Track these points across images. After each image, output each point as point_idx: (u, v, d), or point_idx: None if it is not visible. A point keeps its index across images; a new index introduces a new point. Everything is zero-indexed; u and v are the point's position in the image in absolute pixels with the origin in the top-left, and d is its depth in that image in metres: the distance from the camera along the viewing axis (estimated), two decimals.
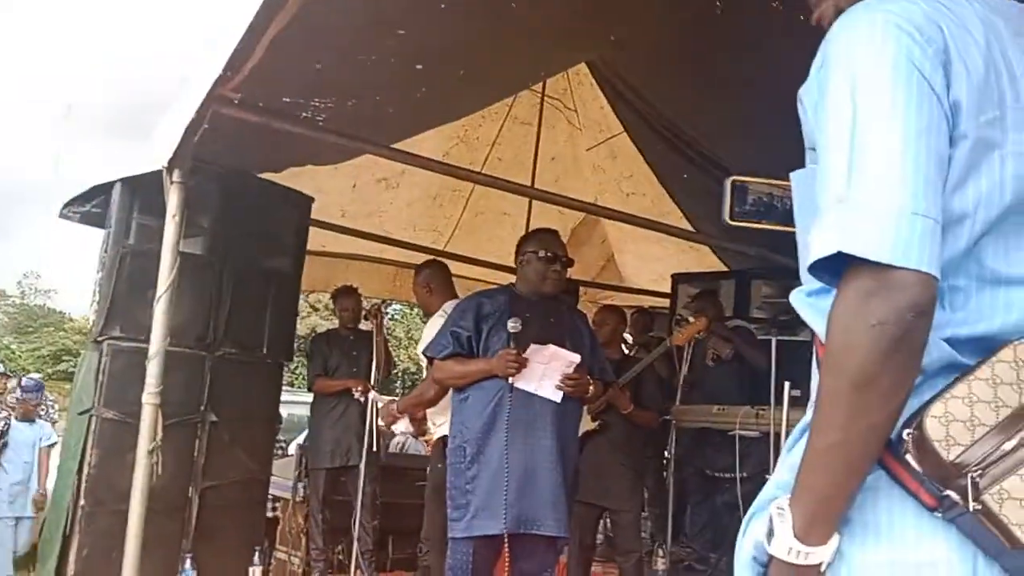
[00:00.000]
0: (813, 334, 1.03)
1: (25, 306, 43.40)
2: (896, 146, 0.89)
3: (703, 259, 6.26)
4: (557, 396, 3.13)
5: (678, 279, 6.27)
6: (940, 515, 0.90)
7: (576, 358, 3.17)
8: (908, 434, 0.92)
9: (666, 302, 6.51)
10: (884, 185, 0.88)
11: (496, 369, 3.08)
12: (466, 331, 3.19)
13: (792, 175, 1.14)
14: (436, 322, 3.77)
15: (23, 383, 10.14)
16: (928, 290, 0.87)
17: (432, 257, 5.51)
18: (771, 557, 0.96)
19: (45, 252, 54.28)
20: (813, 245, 0.92)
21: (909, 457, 0.92)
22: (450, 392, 3.37)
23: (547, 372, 3.12)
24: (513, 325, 3.06)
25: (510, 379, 3.06)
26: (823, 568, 0.93)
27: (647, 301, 7.12)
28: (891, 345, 0.86)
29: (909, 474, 0.92)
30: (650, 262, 6.81)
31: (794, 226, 1.27)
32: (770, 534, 0.95)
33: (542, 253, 3.26)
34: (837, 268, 0.91)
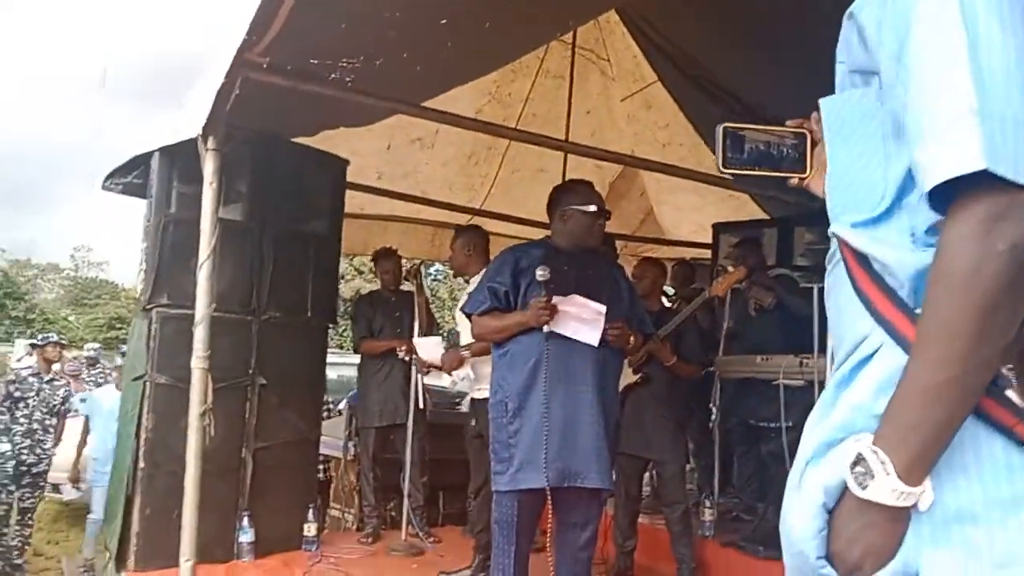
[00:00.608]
0: (852, 269, 1.01)
1: (79, 279, 44.59)
2: (1019, 56, 0.85)
3: (743, 208, 6.17)
4: (594, 340, 3.08)
5: (719, 229, 6.20)
6: None
7: (602, 309, 3.12)
8: (1009, 369, 0.89)
9: (708, 253, 6.45)
10: (1011, 98, 0.83)
11: (530, 320, 3.04)
12: (503, 286, 3.15)
13: (826, 101, 1.09)
14: None
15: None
16: None
17: (470, 222, 5.53)
18: (846, 503, 0.93)
19: (92, 223, 55.39)
20: (935, 162, 0.86)
21: (1011, 392, 0.90)
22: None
23: (580, 321, 3.09)
24: (542, 273, 3.01)
25: (546, 327, 3.02)
26: (921, 508, 0.90)
27: (688, 253, 7.06)
28: (1019, 271, 0.83)
29: (1008, 410, 0.89)
30: (690, 213, 6.74)
31: (796, 171, 1.26)
32: (864, 475, 0.90)
33: (589, 208, 3.20)
34: (943, 192, 0.86)
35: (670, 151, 5.75)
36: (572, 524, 3.17)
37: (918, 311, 0.93)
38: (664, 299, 4.85)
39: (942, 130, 0.86)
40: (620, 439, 4.46)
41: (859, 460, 0.91)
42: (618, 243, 6.33)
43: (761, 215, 6.07)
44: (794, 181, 1.28)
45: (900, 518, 0.91)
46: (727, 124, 1.25)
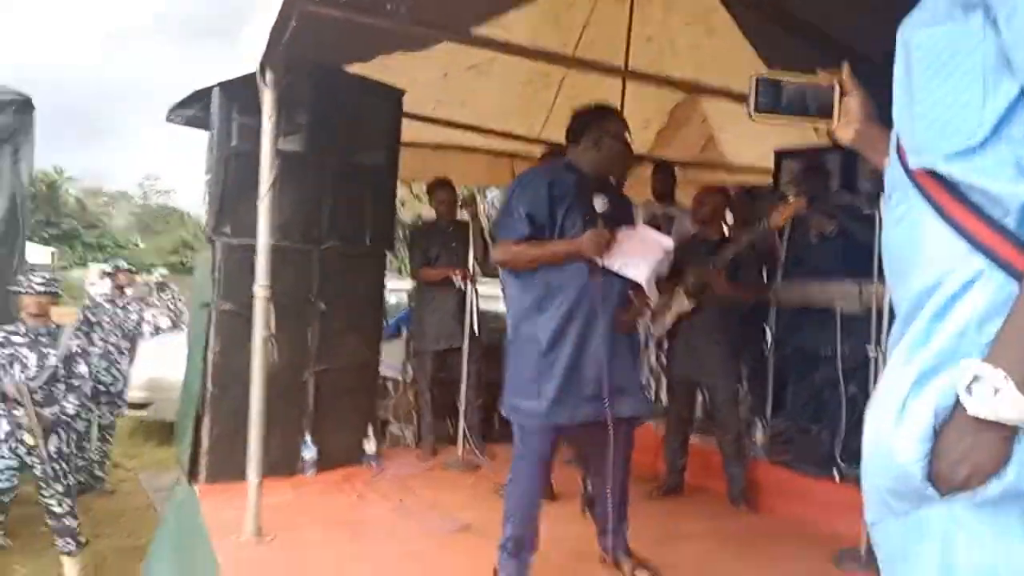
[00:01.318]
0: (940, 201, 1.03)
1: (148, 206, 45.81)
2: None
3: (806, 134, 5.97)
4: (642, 278, 2.98)
5: (781, 156, 6.04)
6: None
7: (669, 243, 3.06)
8: None
9: (770, 179, 6.31)
10: None
11: (586, 250, 2.87)
12: (541, 214, 2.93)
13: (918, 34, 1.09)
14: None
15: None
16: None
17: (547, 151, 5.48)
18: (956, 423, 0.96)
19: (159, 152, 56.42)
20: None
21: None
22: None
23: (635, 255, 2.98)
24: (602, 204, 2.88)
25: (600, 260, 2.88)
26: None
27: (750, 179, 6.92)
28: None
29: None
30: (752, 139, 6.57)
31: (825, 118, 1.30)
32: (985, 393, 0.93)
33: (622, 135, 3.05)
34: None
35: (733, 79, 5.59)
36: (613, 454, 2.97)
37: None
38: (725, 227, 4.79)
39: None
40: (672, 362, 4.53)
41: (977, 379, 0.94)
42: (678, 170, 6.27)
43: (825, 141, 5.90)
44: (821, 128, 1.34)
45: (1010, 436, 0.94)
46: (761, 74, 1.32)
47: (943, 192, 1.03)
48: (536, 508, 2.99)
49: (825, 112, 1.31)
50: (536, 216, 2.91)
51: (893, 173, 1.15)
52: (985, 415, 0.93)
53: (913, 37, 1.09)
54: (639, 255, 2.98)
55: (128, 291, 7.17)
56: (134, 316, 6.66)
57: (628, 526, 3.20)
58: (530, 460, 2.95)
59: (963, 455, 0.96)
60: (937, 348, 1.00)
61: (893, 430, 1.03)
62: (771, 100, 1.31)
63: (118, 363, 6.32)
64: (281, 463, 4.33)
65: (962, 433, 0.96)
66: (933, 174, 1.05)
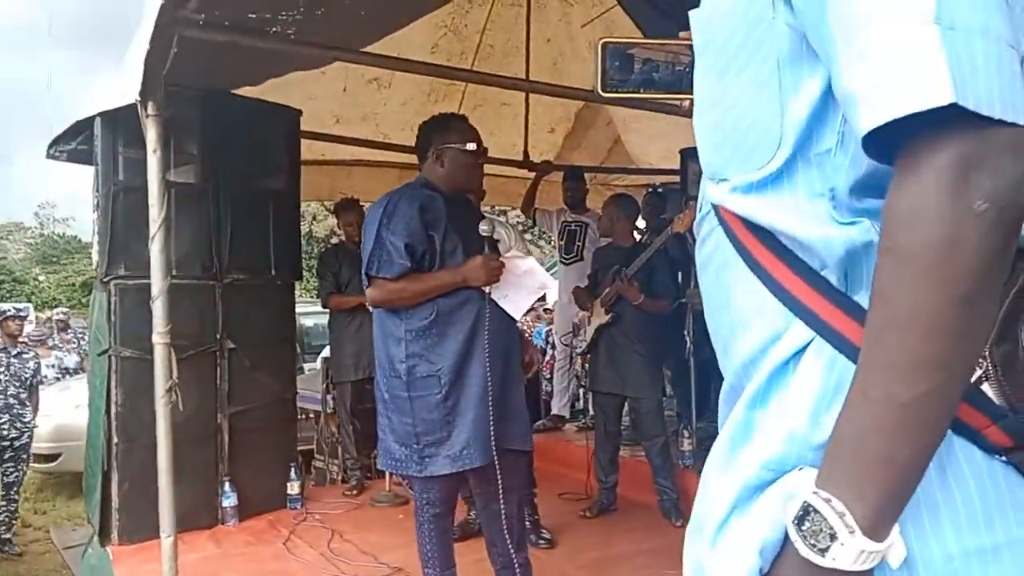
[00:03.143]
0: (743, 243, 0.78)
1: (45, 236, 43.87)
2: None
3: None
4: (518, 313, 2.79)
5: (686, 155, 6.08)
6: (1007, 456, 0.70)
7: (549, 283, 2.87)
8: (983, 357, 0.69)
9: (678, 179, 6.35)
10: (977, 5, 0.61)
11: (476, 279, 2.62)
12: (420, 243, 2.63)
13: (698, 13, 0.83)
14: None
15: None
16: None
17: None
18: (788, 568, 0.69)
19: (53, 177, 53.89)
20: (880, 94, 0.62)
21: (987, 387, 0.69)
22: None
23: (516, 286, 2.76)
24: (486, 229, 2.67)
25: (488, 290, 2.64)
26: (893, 565, 0.68)
27: (659, 180, 6.95)
28: (1005, 235, 0.61)
29: (979, 409, 0.69)
30: (658, 140, 6.59)
31: (683, 91, 1.02)
32: (819, 534, 0.66)
33: (470, 145, 2.76)
34: (883, 136, 0.63)
35: None
36: (508, 489, 2.78)
37: (858, 299, 0.71)
38: (636, 234, 4.78)
39: (887, 46, 0.62)
40: (594, 377, 4.48)
41: (808, 513, 0.67)
42: (587, 174, 6.25)
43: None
44: (685, 104, 1.06)
45: None
46: (607, 39, 1.06)
47: (745, 230, 0.77)
48: (450, 552, 2.87)
49: (689, 83, 1.00)
50: (415, 247, 2.62)
51: (701, 195, 0.87)
52: (820, 563, 0.66)
53: (695, 17, 0.83)
54: (521, 288, 2.78)
55: (30, 328, 6.77)
56: (31, 364, 6.26)
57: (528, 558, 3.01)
58: (434, 506, 2.77)
59: None
60: (763, 454, 0.74)
61: (705, 566, 0.79)
62: (625, 74, 1.05)
63: (21, 415, 5.95)
64: (200, 514, 4.11)
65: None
66: (730, 210, 0.79)
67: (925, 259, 0.61)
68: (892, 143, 0.63)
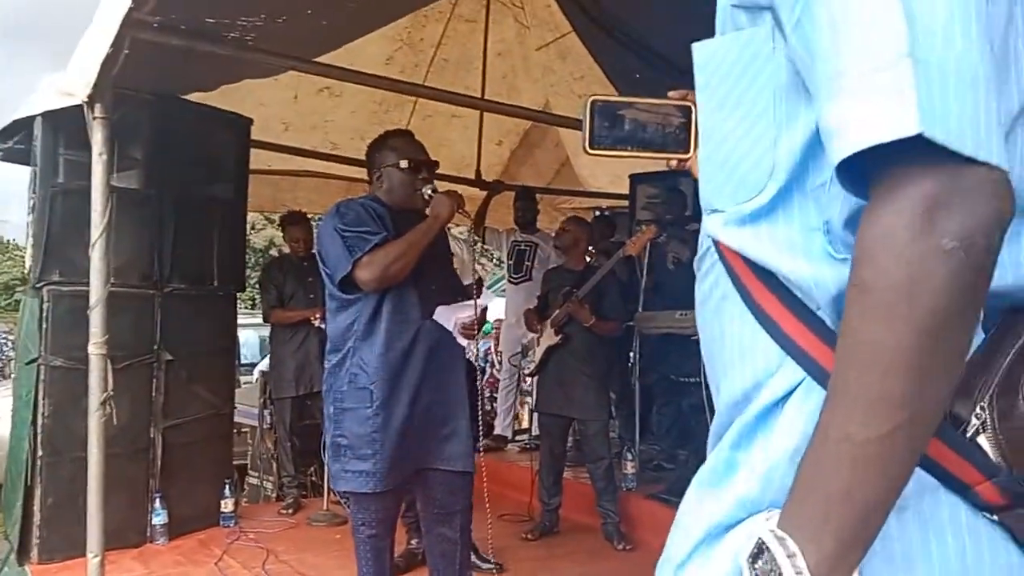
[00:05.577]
0: (741, 279, 0.77)
1: None
2: None
3: None
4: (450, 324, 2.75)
5: (636, 179, 6.16)
6: (997, 516, 0.68)
7: (469, 318, 2.76)
8: (983, 408, 0.67)
9: (626, 203, 6.42)
10: (954, 41, 0.60)
11: (443, 214, 2.68)
12: (377, 226, 2.65)
13: (701, 47, 0.82)
14: None
15: None
16: (1009, 195, 0.60)
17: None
18: None
19: None
20: (848, 125, 0.61)
21: (984, 439, 0.67)
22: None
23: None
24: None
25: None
26: None
27: (606, 203, 7.02)
28: (973, 276, 0.60)
29: (972, 464, 0.67)
30: (607, 163, 6.65)
31: (677, 152, 1.02)
32: (768, 573, 0.64)
33: (403, 163, 2.74)
34: (857, 166, 0.62)
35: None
36: (452, 512, 2.83)
37: None
38: (586, 257, 4.81)
39: (861, 80, 0.61)
40: (542, 398, 4.47)
41: (762, 551, 0.64)
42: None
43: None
44: (673, 163, 1.06)
45: None
46: (597, 98, 1.04)
47: (743, 266, 0.76)
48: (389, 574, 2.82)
49: (677, 143, 1.03)
50: (376, 232, 2.63)
51: (703, 230, 0.86)
52: None
53: (697, 52, 0.83)
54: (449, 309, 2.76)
55: None
56: None
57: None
58: (370, 525, 2.71)
59: None
60: (741, 492, 0.73)
61: None
62: (611, 131, 1.04)
63: None
64: (128, 532, 3.95)
65: None
66: (726, 245, 0.79)
67: (887, 295, 0.60)
68: (867, 176, 0.63)
